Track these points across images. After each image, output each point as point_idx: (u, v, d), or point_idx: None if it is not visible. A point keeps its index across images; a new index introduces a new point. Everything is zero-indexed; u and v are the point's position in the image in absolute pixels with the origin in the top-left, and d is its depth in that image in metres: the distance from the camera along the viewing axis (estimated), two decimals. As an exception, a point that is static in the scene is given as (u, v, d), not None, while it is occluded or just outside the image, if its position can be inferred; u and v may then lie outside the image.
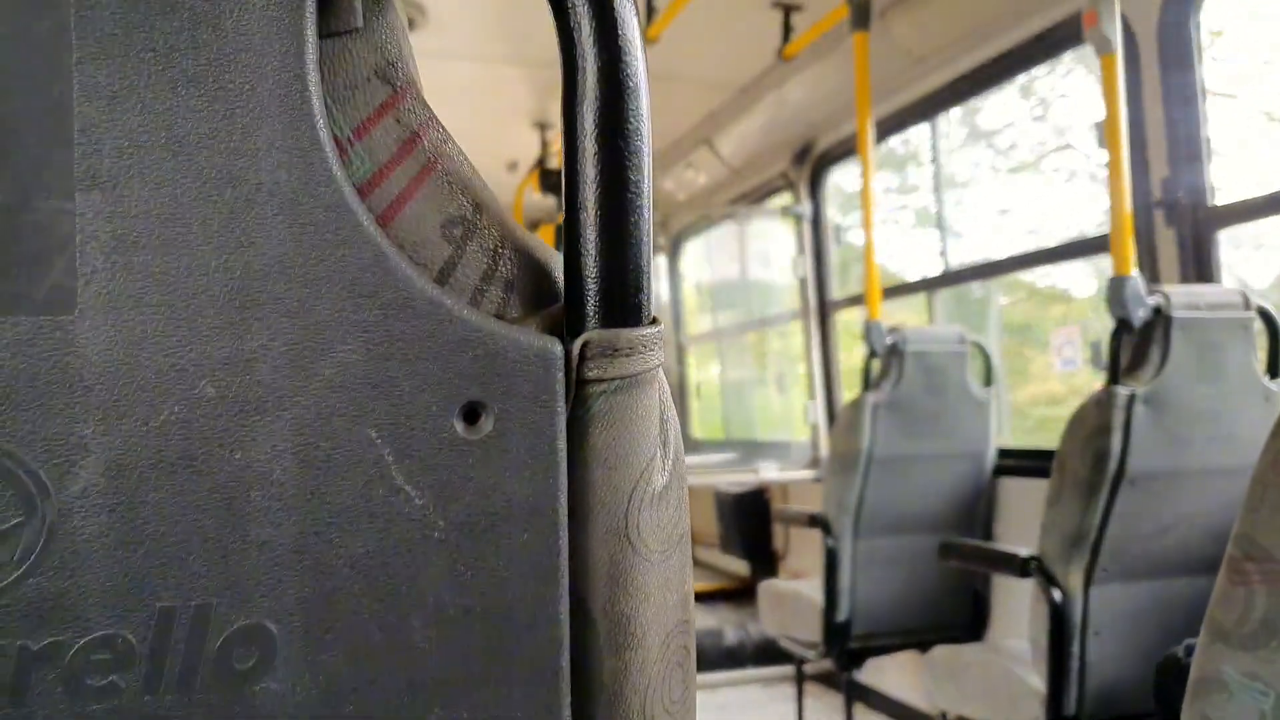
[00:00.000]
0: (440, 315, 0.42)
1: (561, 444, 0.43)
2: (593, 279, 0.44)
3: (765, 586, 3.30)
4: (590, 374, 0.44)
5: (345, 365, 0.41)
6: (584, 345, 0.43)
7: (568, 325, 0.45)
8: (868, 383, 2.96)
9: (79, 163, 0.37)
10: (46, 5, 0.37)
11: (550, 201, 4.66)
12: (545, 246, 0.48)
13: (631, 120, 0.44)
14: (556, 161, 4.48)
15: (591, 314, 0.44)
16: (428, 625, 0.42)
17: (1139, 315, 1.94)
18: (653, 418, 0.46)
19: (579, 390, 0.44)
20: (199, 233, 0.39)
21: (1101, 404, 1.91)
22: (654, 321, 0.46)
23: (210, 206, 0.39)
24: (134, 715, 0.39)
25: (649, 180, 0.45)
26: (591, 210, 0.44)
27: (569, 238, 0.45)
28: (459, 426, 0.42)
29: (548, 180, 4.41)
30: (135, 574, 0.39)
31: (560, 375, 0.43)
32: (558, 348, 0.43)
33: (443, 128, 0.45)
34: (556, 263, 0.47)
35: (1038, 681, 2.02)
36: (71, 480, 0.38)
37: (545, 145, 4.66)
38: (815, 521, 2.90)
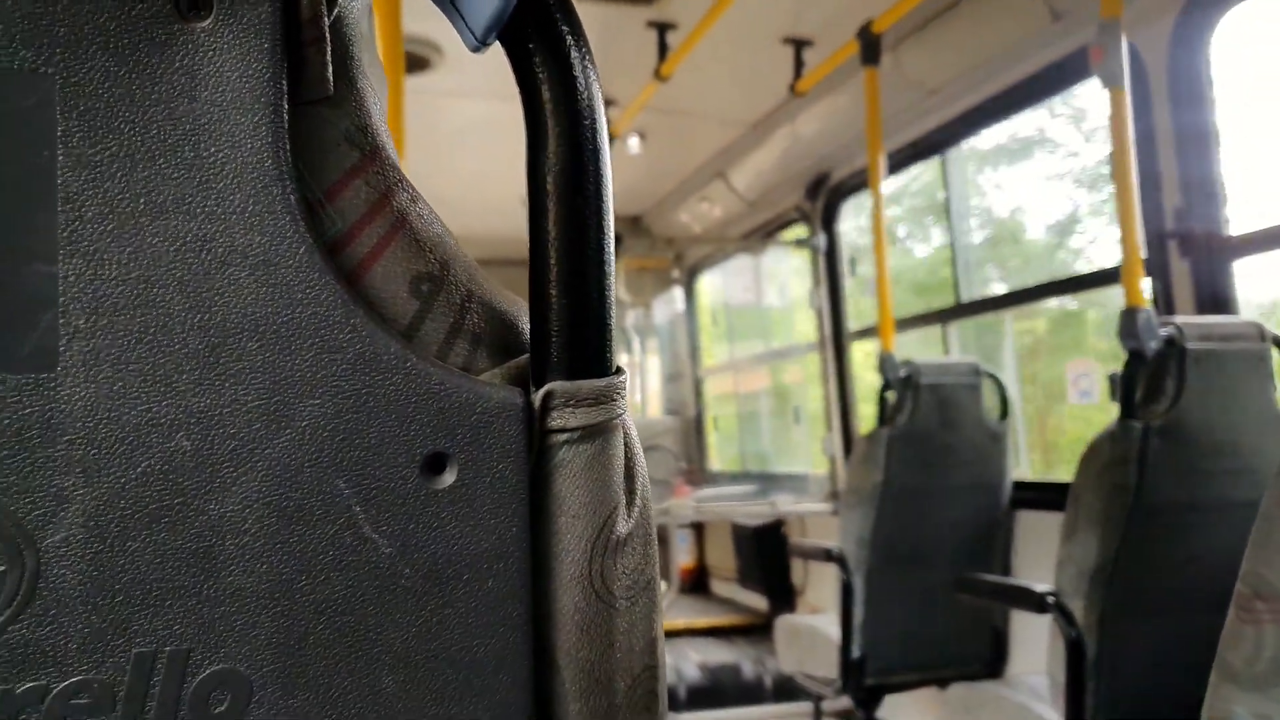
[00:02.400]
0: (406, 369, 0.43)
1: (524, 493, 0.45)
2: (556, 331, 0.46)
3: (782, 622, 3.27)
4: (553, 424, 0.45)
5: (315, 418, 0.42)
6: (547, 396, 0.45)
7: (533, 376, 0.46)
8: (883, 415, 2.95)
9: (62, 228, 0.39)
10: (32, 80, 0.39)
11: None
12: (514, 299, 0.49)
13: (591, 180, 0.45)
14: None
15: (555, 365, 0.46)
16: (395, 671, 0.43)
17: (1152, 347, 1.93)
18: (616, 466, 0.47)
19: (543, 440, 0.45)
20: (175, 293, 0.40)
21: (1116, 437, 1.90)
22: (618, 371, 0.47)
23: (186, 268, 0.41)
24: None
25: (610, 237, 0.46)
26: (554, 266, 0.45)
27: (534, 292, 0.46)
28: (424, 477, 0.43)
29: (561, 214, 4.44)
30: (114, 620, 0.40)
31: (523, 426, 0.44)
32: (520, 399, 0.45)
33: (412, 188, 0.46)
34: (524, 315, 0.48)
35: (1057, 719, 2.00)
36: (54, 530, 0.39)
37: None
38: (831, 556, 2.88)
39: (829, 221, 4.14)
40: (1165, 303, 2.41)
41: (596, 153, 0.45)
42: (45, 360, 0.39)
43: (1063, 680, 1.93)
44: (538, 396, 0.45)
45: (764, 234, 4.72)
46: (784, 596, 4.42)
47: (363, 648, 0.43)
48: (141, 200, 0.40)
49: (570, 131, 0.45)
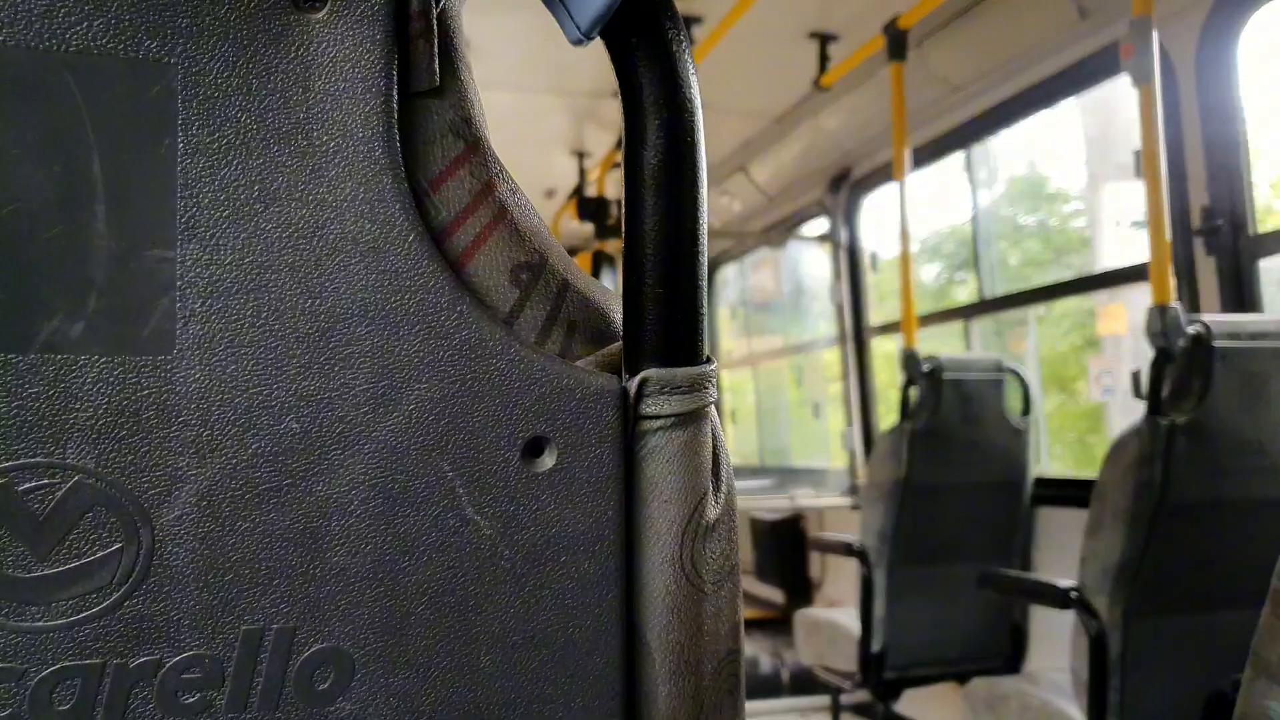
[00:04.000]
0: (510, 355, 0.44)
1: (620, 477, 0.46)
2: (650, 320, 0.47)
3: (801, 615, 3.28)
4: (648, 410, 0.46)
5: (421, 402, 0.43)
6: (642, 383, 0.46)
7: (626, 364, 0.47)
8: (905, 410, 2.95)
9: (181, 214, 0.40)
10: (156, 70, 0.40)
11: (588, 229, 4.70)
12: (605, 289, 0.50)
13: (689, 173, 0.46)
14: (594, 189, 4.53)
15: (649, 353, 0.47)
16: (493, 650, 0.44)
17: (1179, 345, 1.93)
18: (706, 453, 0.48)
19: (637, 426, 0.46)
20: (287, 279, 0.42)
21: (1142, 434, 1.90)
22: (708, 360, 0.48)
23: (298, 255, 0.42)
24: None
25: (704, 229, 0.47)
26: (650, 256, 0.46)
27: (628, 281, 0.47)
28: (525, 460, 0.45)
29: (585, 207, 4.45)
30: (223, 598, 0.41)
31: (619, 411, 0.46)
32: (617, 385, 0.46)
33: (512, 180, 0.47)
34: (615, 305, 0.50)
35: (1078, 715, 2.00)
36: (168, 509, 0.40)
37: (583, 173, 4.71)
38: (852, 550, 2.89)
39: (851, 216, 4.13)
40: (1191, 300, 2.41)
41: (694, 148, 0.46)
42: (162, 343, 0.40)
43: (1085, 676, 1.94)
44: (633, 383, 0.46)
45: (784, 228, 4.72)
46: (801, 590, 4.43)
47: (462, 628, 0.44)
48: (256, 187, 0.41)
49: (670, 127, 0.46)
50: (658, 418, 0.46)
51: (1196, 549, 1.91)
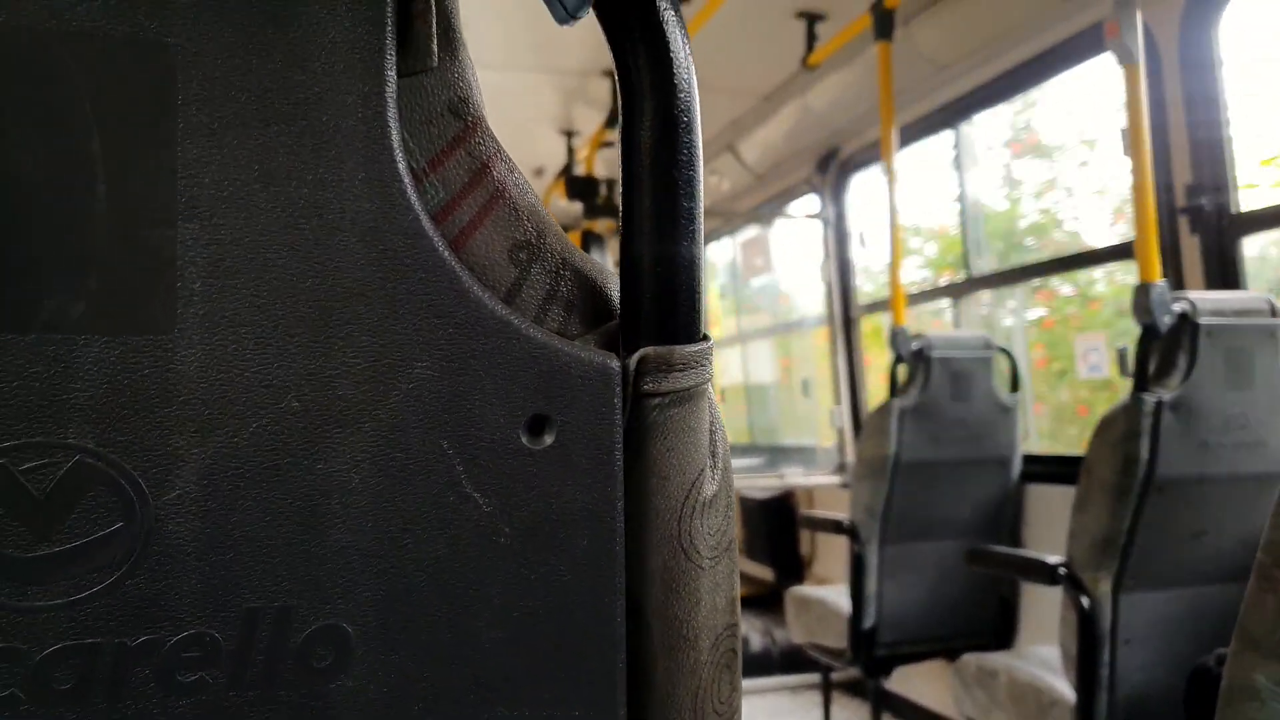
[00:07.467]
0: (509, 333, 0.44)
1: (619, 454, 0.46)
2: (648, 298, 0.47)
3: (791, 593, 3.30)
4: (646, 388, 0.46)
5: (421, 381, 0.43)
6: (640, 361, 0.46)
7: (624, 342, 0.47)
8: (894, 388, 2.97)
9: (181, 194, 0.40)
10: (155, 51, 0.40)
11: (576, 208, 4.70)
12: (602, 267, 0.50)
13: (685, 152, 0.46)
14: (583, 168, 4.51)
15: (647, 331, 0.47)
16: (493, 626, 0.45)
17: (1165, 322, 1.94)
18: (703, 429, 0.48)
19: (635, 403, 0.47)
20: (287, 259, 0.42)
21: (1129, 410, 1.92)
22: (705, 338, 0.48)
23: (297, 234, 0.42)
24: (220, 710, 0.41)
25: (701, 207, 0.47)
26: (647, 235, 0.47)
27: (625, 259, 0.47)
28: (524, 438, 0.45)
29: (574, 186, 4.43)
30: (224, 576, 0.41)
31: (618, 389, 0.46)
32: (616, 363, 0.46)
33: (509, 159, 0.48)
34: (612, 283, 0.50)
35: (1067, 690, 2.02)
36: (168, 488, 0.40)
37: (571, 152, 4.69)
38: (842, 528, 2.91)
39: (839, 195, 4.14)
40: (1175, 278, 2.42)
41: (690, 126, 0.46)
42: (163, 322, 0.40)
43: (1074, 651, 1.96)
44: (632, 361, 0.46)
45: (773, 207, 4.71)
46: (792, 568, 4.45)
47: (462, 604, 0.44)
48: (256, 167, 0.41)
49: (665, 105, 0.46)
50: (656, 395, 0.46)
51: (1183, 524, 1.93)
